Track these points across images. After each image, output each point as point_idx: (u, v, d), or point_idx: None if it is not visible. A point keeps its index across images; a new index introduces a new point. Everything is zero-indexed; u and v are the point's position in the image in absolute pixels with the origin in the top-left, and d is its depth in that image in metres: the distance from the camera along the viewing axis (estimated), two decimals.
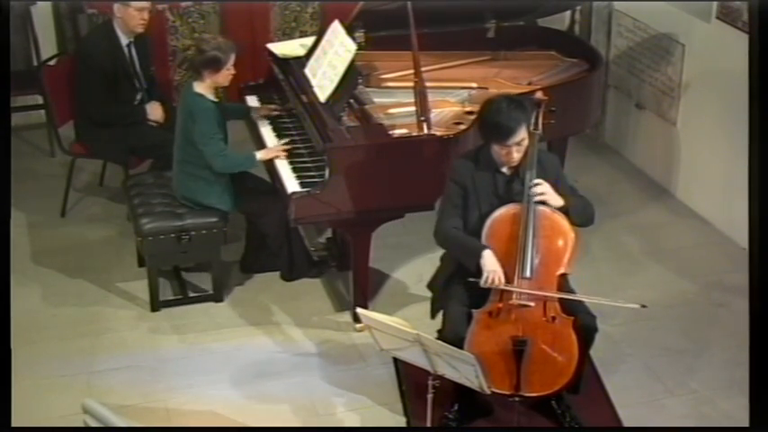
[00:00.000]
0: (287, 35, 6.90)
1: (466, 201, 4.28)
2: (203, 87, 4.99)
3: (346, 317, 5.18)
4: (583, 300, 4.19)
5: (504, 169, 4.26)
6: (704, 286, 5.48)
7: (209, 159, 4.98)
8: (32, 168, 6.56)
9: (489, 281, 4.09)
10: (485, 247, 4.14)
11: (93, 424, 3.49)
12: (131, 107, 5.80)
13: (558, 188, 4.22)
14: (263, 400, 4.63)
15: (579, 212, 4.25)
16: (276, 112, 5.50)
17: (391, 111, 5.20)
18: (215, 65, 4.93)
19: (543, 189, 4.16)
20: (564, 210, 4.20)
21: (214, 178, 5.08)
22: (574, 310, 4.16)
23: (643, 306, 4.17)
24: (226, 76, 4.99)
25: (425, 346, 3.86)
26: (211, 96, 5.01)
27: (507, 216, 4.19)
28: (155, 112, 5.77)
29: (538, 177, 4.19)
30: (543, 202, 4.17)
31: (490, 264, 4.11)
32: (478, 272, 4.13)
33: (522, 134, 4.13)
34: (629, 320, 5.15)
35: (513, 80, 5.55)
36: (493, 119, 4.13)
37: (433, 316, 4.45)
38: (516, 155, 4.18)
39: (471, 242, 4.21)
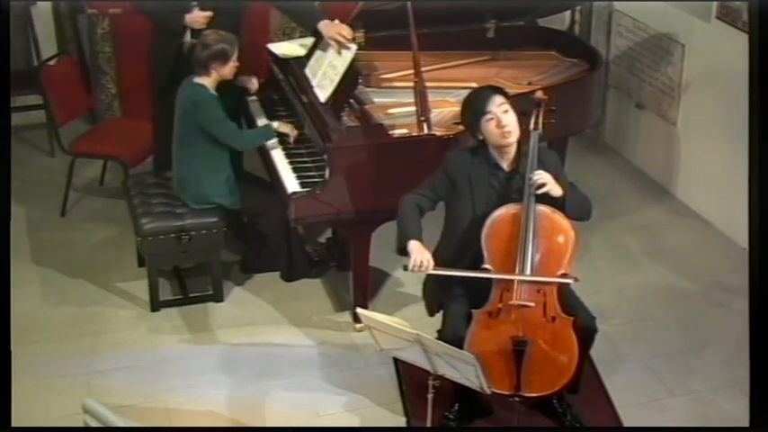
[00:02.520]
0: (287, 35, 6.89)
1: (453, 194, 4.28)
2: (205, 81, 5.04)
3: (346, 317, 5.18)
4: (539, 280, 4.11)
5: (504, 166, 4.25)
6: (704, 286, 5.48)
7: (227, 141, 5.03)
8: (32, 168, 6.56)
9: (417, 265, 4.09)
10: (413, 237, 4.15)
11: (93, 424, 3.49)
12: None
13: (559, 179, 4.21)
14: (263, 400, 4.63)
15: (576, 205, 4.24)
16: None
17: (391, 111, 5.20)
18: (223, 57, 5.01)
19: (545, 179, 4.13)
20: (561, 200, 4.17)
21: (215, 169, 5.09)
22: (574, 310, 4.16)
23: (576, 280, 4.13)
24: (231, 68, 5.07)
25: (425, 346, 3.86)
26: (212, 89, 5.05)
27: (507, 216, 4.18)
28: (194, 18, 5.45)
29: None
30: (545, 195, 4.15)
31: (414, 250, 4.12)
32: (473, 266, 4.16)
33: (499, 99, 4.15)
34: (629, 320, 5.15)
35: (513, 80, 5.55)
36: (466, 102, 4.24)
37: (431, 314, 4.44)
38: (507, 122, 4.12)
39: (412, 225, 4.21)
